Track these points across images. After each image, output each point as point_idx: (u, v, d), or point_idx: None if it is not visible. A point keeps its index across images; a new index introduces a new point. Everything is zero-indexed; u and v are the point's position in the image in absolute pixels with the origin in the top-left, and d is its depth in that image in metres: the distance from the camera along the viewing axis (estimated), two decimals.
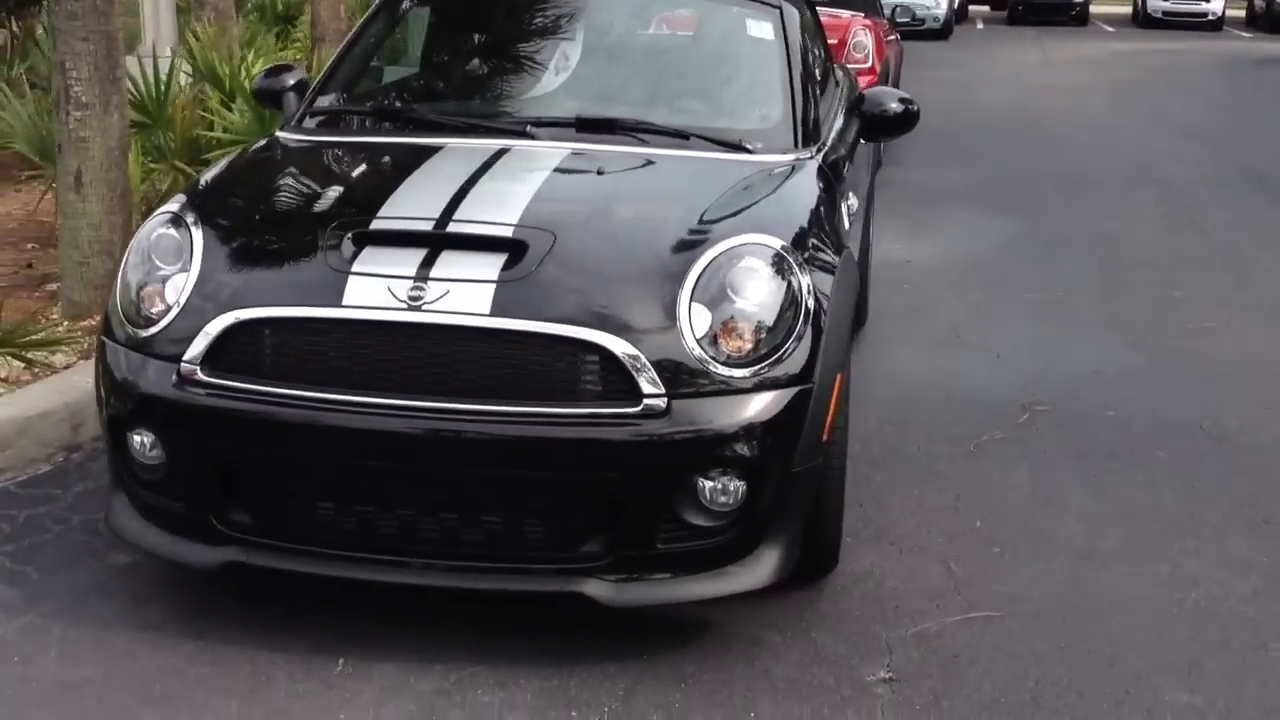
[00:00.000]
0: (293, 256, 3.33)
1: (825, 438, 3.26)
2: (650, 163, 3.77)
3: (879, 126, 4.35)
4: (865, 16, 9.85)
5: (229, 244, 3.36)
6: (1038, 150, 11.16)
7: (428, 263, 3.16)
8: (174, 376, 3.18)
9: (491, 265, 3.15)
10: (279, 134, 4.09)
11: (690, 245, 3.26)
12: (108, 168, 5.31)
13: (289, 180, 3.73)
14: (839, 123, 4.43)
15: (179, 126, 6.73)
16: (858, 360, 5.39)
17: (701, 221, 3.38)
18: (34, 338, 4.71)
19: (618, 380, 3.05)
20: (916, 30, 23.39)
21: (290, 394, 3.09)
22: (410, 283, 3.11)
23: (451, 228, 3.28)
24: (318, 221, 3.41)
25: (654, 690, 3.11)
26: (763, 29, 4.23)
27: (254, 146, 4.07)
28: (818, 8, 9.83)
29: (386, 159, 3.86)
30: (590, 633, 3.29)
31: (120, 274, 3.45)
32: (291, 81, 4.36)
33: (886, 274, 6.76)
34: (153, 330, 3.26)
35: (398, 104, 4.33)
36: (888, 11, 12.54)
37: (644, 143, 3.85)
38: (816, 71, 4.56)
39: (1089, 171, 10.21)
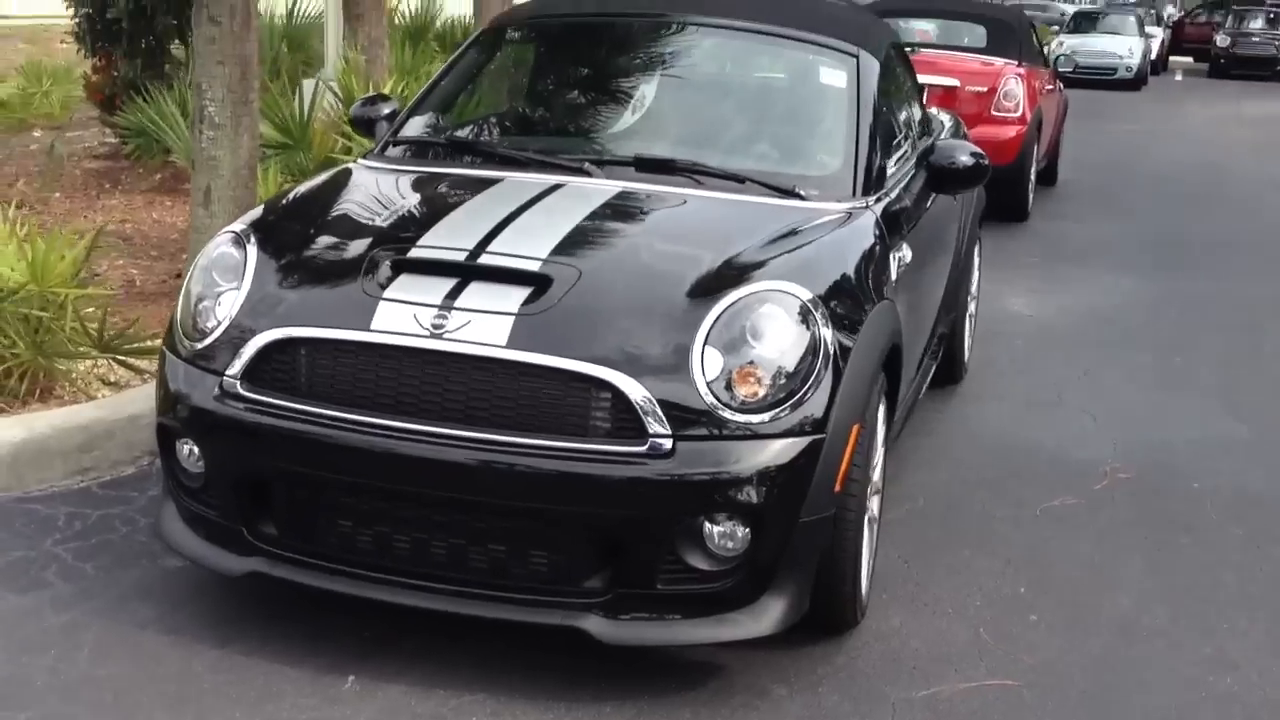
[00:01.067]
0: (335, 279, 3.45)
1: (838, 488, 3.23)
2: (697, 205, 3.78)
3: (947, 179, 4.29)
4: (1019, 64, 9.67)
5: (280, 263, 3.50)
6: (1201, 210, 10.77)
7: (455, 292, 3.24)
8: (216, 390, 3.33)
9: (514, 298, 3.22)
10: (358, 161, 4.24)
11: (713, 289, 3.28)
12: (235, 186, 5.55)
13: (349, 206, 3.85)
14: (911, 172, 4.39)
15: (317, 148, 7.02)
16: (944, 415, 5.31)
17: (730, 265, 3.39)
18: (138, 345, 4.95)
19: (626, 418, 3.08)
20: (1106, 80, 22.81)
21: (317, 413, 3.20)
22: (435, 311, 3.20)
23: (483, 259, 3.36)
24: (364, 246, 3.51)
25: None
26: (835, 76, 4.22)
27: (330, 172, 4.23)
28: (970, 54, 9.86)
29: (445, 189, 3.96)
30: (595, 669, 3.30)
31: (184, 287, 3.63)
32: (385, 111, 4.50)
33: (1002, 328, 6.64)
34: (204, 344, 3.42)
35: (472, 137, 4.44)
36: (1055, 58, 12.25)
37: (699, 184, 3.86)
38: (897, 120, 4.52)
39: (1251, 235, 9.81)
